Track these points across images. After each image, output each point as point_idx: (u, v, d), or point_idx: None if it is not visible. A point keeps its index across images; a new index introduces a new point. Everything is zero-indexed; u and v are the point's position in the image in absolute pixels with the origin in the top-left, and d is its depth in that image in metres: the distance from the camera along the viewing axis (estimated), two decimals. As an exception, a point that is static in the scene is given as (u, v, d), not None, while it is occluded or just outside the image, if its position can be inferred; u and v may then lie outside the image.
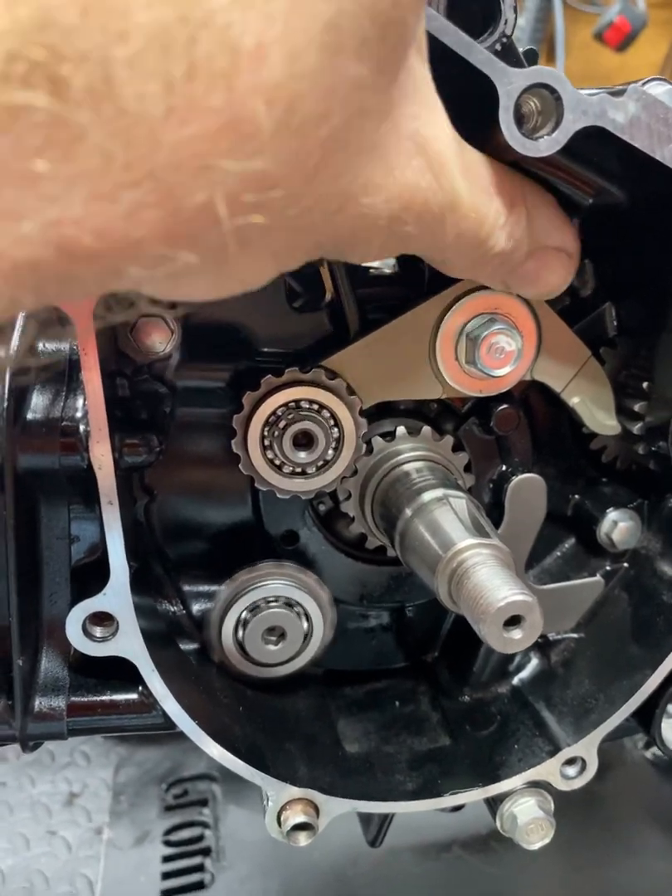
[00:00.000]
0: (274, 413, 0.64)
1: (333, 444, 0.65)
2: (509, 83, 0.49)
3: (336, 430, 0.65)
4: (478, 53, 0.48)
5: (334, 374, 0.65)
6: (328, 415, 0.64)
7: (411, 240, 0.46)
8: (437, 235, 0.47)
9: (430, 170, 0.43)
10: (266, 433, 0.64)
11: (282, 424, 0.63)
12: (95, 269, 0.33)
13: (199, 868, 1.05)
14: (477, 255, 0.51)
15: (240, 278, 0.40)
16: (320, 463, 0.65)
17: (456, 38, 0.47)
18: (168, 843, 1.10)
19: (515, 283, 0.57)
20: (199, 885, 1.03)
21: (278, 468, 0.65)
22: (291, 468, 0.65)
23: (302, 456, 0.64)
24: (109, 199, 0.30)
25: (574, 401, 0.72)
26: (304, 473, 0.65)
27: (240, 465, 0.65)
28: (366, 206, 0.40)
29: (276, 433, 0.63)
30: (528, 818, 0.69)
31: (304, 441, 0.64)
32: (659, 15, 2.51)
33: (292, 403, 0.64)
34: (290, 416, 0.63)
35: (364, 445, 0.67)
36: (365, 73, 0.34)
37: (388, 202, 0.41)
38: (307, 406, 0.64)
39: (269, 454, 0.64)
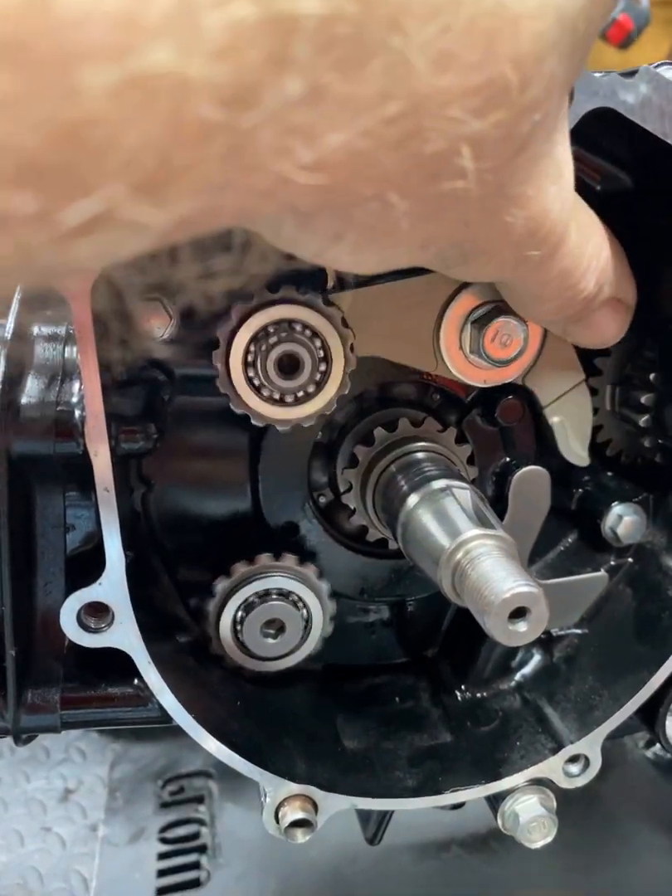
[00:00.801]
0: (263, 328, 0.60)
1: (318, 377, 0.61)
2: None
3: (324, 363, 0.61)
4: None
5: (333, 304, 0.62)
6: (319, 344, 0.61)
7: (525, 265, 0.47)
8: (545, 268, 0.48)
9: (560, 200, 0.45)
10: (251, 349, 0.60)
11: (270, 341, 0.60)
12: (325, 201, 0.35)
13: (195, 865, 1.04)
14: (568, 296, 0.52)
15: (389, 256, 0.42)
16: (301, 393, 0.61)
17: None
18: (164, 841, 1.08)
19: (580, 329, 0.58)
20: (195, 883, 1.01)
21: (257, 390, 0.61)
22: (271, 392, 0.61)
23: (284, 381, 0.60)
24: (371, 131, 0.32)
25: (554, 420, 0.71)
26: (282, 401, 0.61)
27: (216, 381, 0.61)
28: (511, 216, 0.42)
29: (263, 349, 0.60)
30: (530, 816, 0.68)
31: (289, 366, 0.61)
32: (661, 13, 2.50)
33: (284, 322, 0.60)
34: (280, 335, 0.60)
35: (348, 383, 0.62)
36: (561, 76, 0.37)
37: (527, 220, 0.43)
38: (299, 329, 0.61)
39: (251, 372, 0.60)
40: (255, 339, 0.60)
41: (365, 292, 0.63)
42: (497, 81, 0.34)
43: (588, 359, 0.71)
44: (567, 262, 0.49)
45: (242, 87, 0.28)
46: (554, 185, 0.44)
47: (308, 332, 0.61)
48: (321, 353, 0.61)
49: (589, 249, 0.51)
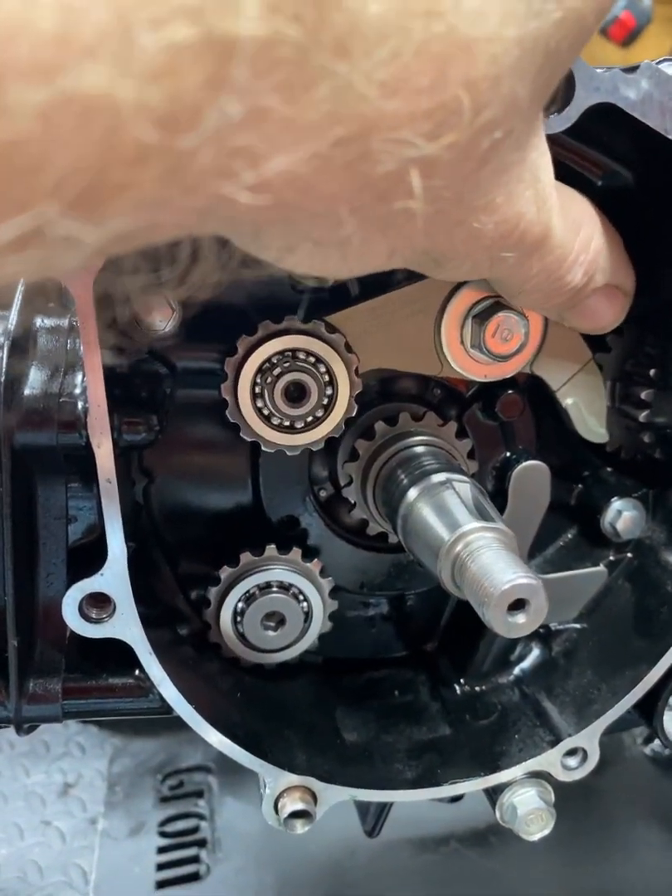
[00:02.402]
0: (268, 360, 0.62)
1: (325, 401, 0.63)
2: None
3: (330, 387, 0.63)
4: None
5: (335, 329, 0.63)
6: (324, 369, 0.62)
7: (501, 265, 0.47)
8: (524, 266, 0.49)
9: (536, 202, 0.45)
10: (258, 380, 0.62)
11: (276, 372, 0.61)
12: (272, 216, 0.34)
13: (195, 859, 1.04)
14: (553, 288, 0.52)
15: (353, 264, 0.42)
16: (310, 418, 0.63)
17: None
18: (163, 835, 1.09)
19: (574, 316, 0.58)
20: (195, 877, 1.02)
21: (267, 419, 0.63)
22: (280, 420, 0.63)
23: (292, 408, 0.62)
24: (318, 154, 0.31)
25: (568, 402, 0.72)
26: (292, 427, 0.63)
27: (227, 412, 0.63)
28: (479, 223, 0.42)
29: (269, 381, 0.61)
30: (529, 809, 0.68)
31: (296, 394, 0.62)
32: (664, 11, 2.50)
33: (288, 352, 0.62)
34: (285, 365, 0.61)
35: (356, 407, 0.64)
36: (526, 96, 0.37)
37: (497, 225, 0.43)
38: (303, 357, 0.62)
39: (259, 403, 0.62)
40: (260, 370, 0.62)
41: (363, 308, 0.64)
42: (449, 105, 0.33)
43: (597, 336, 0.71)
44: (550, 258, 0.49)
45: (179, 109, 0.28)
46: (528, 190, 0.44)
47: (312, 360, 0.62)
48: (327, 379, 0.63)
49: (577, 243, 0.51)
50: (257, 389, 0.62)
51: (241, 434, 0.64)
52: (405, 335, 0.66)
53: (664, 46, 2.51)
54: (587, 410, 0.72)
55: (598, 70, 0.53)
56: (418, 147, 0.33)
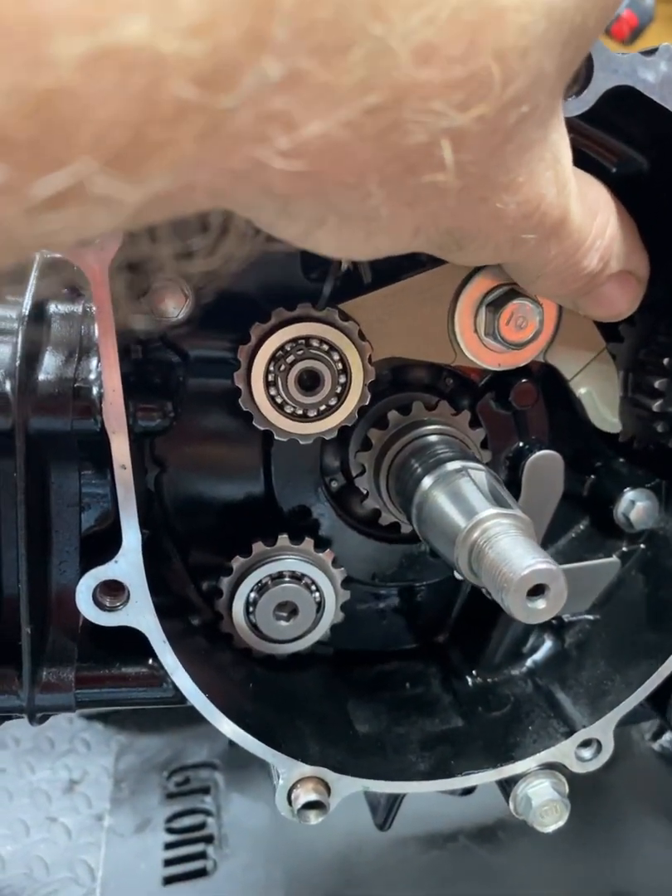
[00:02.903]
0: (282, 348, 0.61)
1: (338, 389, 0.62)
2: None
3: (343, 375, 0.62)
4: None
5: (348, 317, 0.63)
6: (337, 357, 0.62)
7: (521, 247, 0.47)
8: (542, 249, 0.49)
9: (556, 184, 0.45)
10: (271, 368, 0.61)
11: (289, 360, 0.61)
12: (302, 186, 0.34)
13: (202, 855, 1.04)
14: (569, 273, 0.52)
15: (378, 241, 0.41)
16: (323, 407, 0.63)
17: None
18: (170, 831, 1.08)
19: (589, 303, 0.58)
20: (202, 873, 1.01)
21: (280, 407, 0.62)
22: (293, 408, 0.62)
23: (305, 397, 0.61)
24: (351, 122, 0.31)
25: (581, 391, 0.71)
26: (305, 416, 0.63)
27: (240, 400, 0.62)
28: (502, 202, 0.42)
29: (283, 368, 0.61)
30: (543, 800, 0.68)
31: (310, 382, 0.62)
32: (666, 10, 2.51)
33: (302, 340, 0.61)
34: (298, 353, 0.61)
35: (369, 395, 0.64)
36: (552, 70, 0.37)
37: (519, 205, 0.43)
38: (317, 345, 0.62)
39: (272, 391, 0.62)
40: (274, 358, 0.61)
41: (376, 296, 0.64)
42: (480, 75, 0.33)
43: (610, 325, 0.71)
44: (568, 242, 0.49)
45: (219, 66, 0.28)
46: (549, 171, 0.44)
47: (326, 347, 0.62)
48: (340, 367, 0.62)
49: (594, 228, 0.51)
50: (270, 377, 0.62)
51: (253, 423, 0.63)
52: (419, 323, 0.65)
53: (666, 45, 2.51)
54: (600, 400, 0.72)
55: (617, 53, 0.53)
56: (449, 117, 0.33)
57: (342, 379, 0.63)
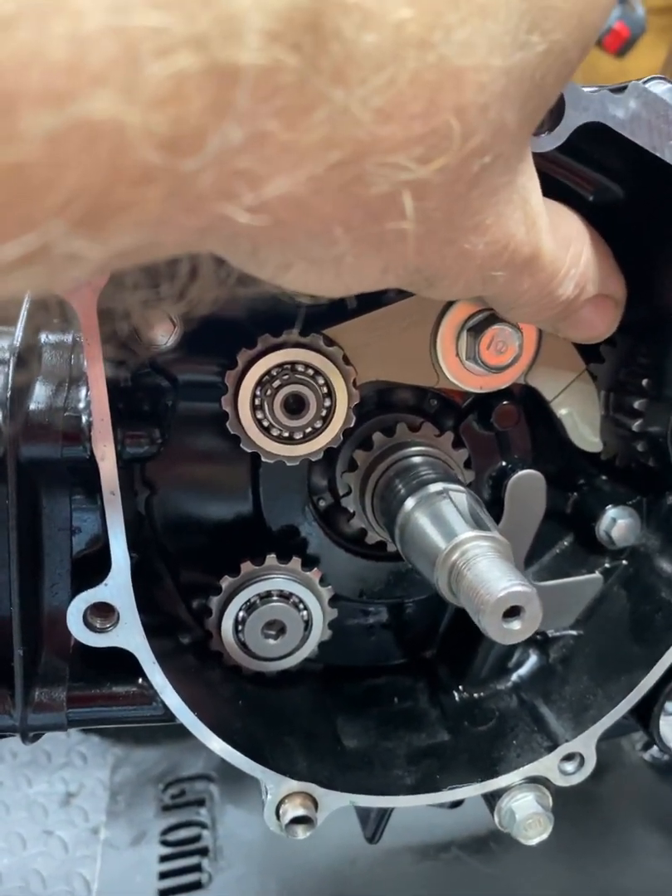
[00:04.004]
0: (268, 373, 0.63)
1: (324, 413, 0.64)
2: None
3: (328, 399, 0.64)
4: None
5: (332, 342, 0.65)
6: (322, 381, 0.64)
7: (492, 284, 0.49)
8: (515, 283, 0.50)
9: (525, 223, 0.46)
10: (258, 393, 0.63)
11: (275, 385, 0.63)
12: (270, 236, 0.35)
13: (197, 868, 1.05)
14: (545, 302, 0.54)
15: (347, 281, 0.43)
16: (309, 429, 0.64)
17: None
18: (165, 843, 1.09)
19: (567, 327, 0.59)
20: (197, 885, 1.02)
21: (266, 430, 0.64)
22: (279, 431, 0.64)
23: (291, 420, 0.63)
24: (314, 176, 0.33)
25: (562, 412, 0.73)
26: (291, 439, 0.65)
27: (227, 424, 0.64)
28: (470, 244, 0.43)
29: (269, 393, 0.63)
30: (527, 813, 0.69)
31: (296, 406, 0.64)
32: (657, 21, 2.53)
33: (287, 365, 0.63)
34: (284, 378, 0.63)
35: (354, 418, 0.66)
36: (513, 122, 0.38)
37: (487, 245, 0.44)
38: (302, 370, 0.63)
39: (259, 415, 0.64)
40: (260, 383, 0.63)
41: (360, 321, 0.66)
42: (440, 130, 0.35)
43: (591, 346, 0.73)
44: (541, 275, 0.51)
45: (183, 133, 0.29)
46: (518, 211, 0.45)
47: (311, 372, 0.64)
48: (325, 391, 0.64)
49: (568, 258, 0.53)
50: (257, 401, 0.63)
51: (241, 445, 0.65)
52: (402, 347, 0.67)
53: (658, 57, 2.53)
54: (581, 420, 0.73)
55: (587, 89, 0.54)
56: (411, 170, 0.35)
57: (327, 402, 0.64)
